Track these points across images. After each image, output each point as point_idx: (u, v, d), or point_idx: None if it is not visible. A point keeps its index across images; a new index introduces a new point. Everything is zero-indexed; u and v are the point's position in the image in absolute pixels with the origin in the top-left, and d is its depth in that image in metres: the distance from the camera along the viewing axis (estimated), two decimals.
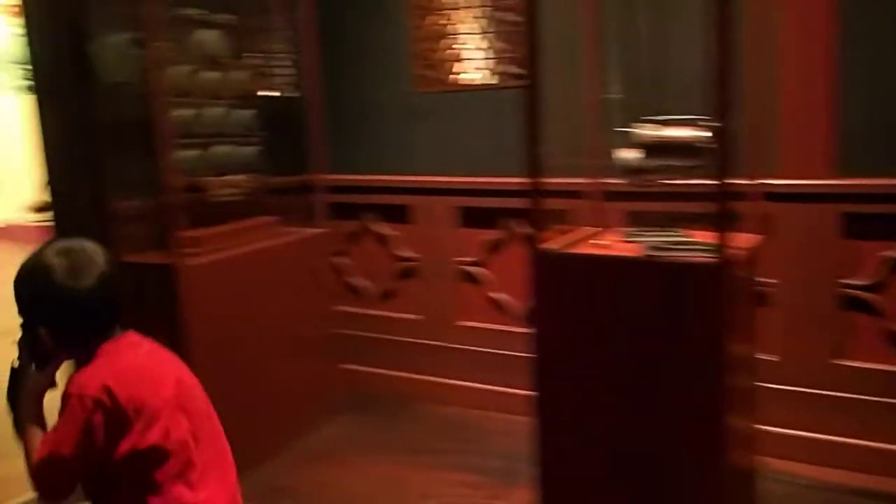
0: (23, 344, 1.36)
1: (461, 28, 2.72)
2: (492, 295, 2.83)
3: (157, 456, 1.28)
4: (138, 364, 1.35)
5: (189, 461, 1.33)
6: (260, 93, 2.66)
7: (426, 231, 2.92)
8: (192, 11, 2.36)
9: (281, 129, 2.76)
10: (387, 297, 3.07)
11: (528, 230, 1.69)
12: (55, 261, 1.30)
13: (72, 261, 1.31)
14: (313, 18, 2.67)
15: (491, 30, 2.68)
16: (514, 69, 2.63)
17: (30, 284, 1.31)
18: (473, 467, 2.46)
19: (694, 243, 1.61)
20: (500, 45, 2.67)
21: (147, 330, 2.27)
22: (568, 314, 1.64)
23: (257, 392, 2.49)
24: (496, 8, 2.64)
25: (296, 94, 2.79)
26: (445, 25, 2.75)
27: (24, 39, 2.27)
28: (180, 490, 1.31)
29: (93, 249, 1.36)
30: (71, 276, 1.29)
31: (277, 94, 2.80)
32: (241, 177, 2.52)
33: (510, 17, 2.61)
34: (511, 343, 2.70)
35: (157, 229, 2.29)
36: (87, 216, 2.30)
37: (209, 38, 2.41)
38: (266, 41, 2.74)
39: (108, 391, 1.25)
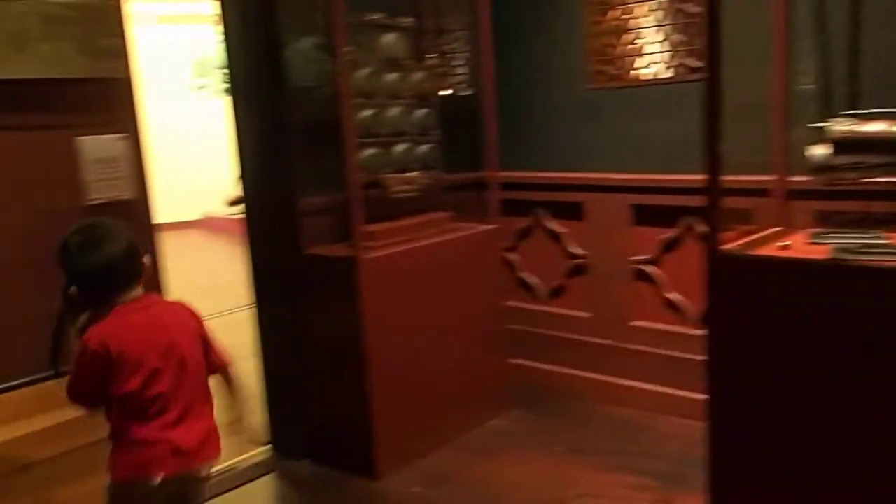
0: (64, 297, 1.67)
1: (641, 22, 2.66)
2: (666, 295, 2.74)
3: (137, 398, 1.58)
4: (136, 324, 1.62)
5: (165, 407, 1.61)
6: (437, 92, 2.74)
7: (598, 228, 2.88)
8: (375, 17, 2.48)
9: (456, 127, 2.84)
10: (556, 293, 3.07)
11: (705, 229, 1.63)
12: (72, 238, 1.64)
13: (84, 237, 1.65)
14: (489, 18, 2.72)
15: (667, 22, 2.59)
16: (693, 62, 2.53)
17: (58, 255, 1.65)
18: (640, 469, 2.41)
19: (889, 247, 1.48)
20: (677, 37, 2.58)
21: (329, 316, 2.45)
22: (745, 318, 1.56)
23: (427, 382, 2.58)
24: None
25: (470, 93, 2.85)
26: (627, 20, 2.69)
27: (224, 46, 2.49)
28: (154, 427, 1.60)
29: (107, 228, 1.72)
30: (80, 252, 1.62)
31: (453, 92, 2.88)
32: (417, 174, 2.62)
33: (690, 7, 2.52)
34: (685, 345, 2.61)
35: (340, 223, 2.44)
36: (276, 210, 2.49)
37: (391, 42, 2.53)
38: (443, 42, 2.82)
39: (104, 345, 1.57)
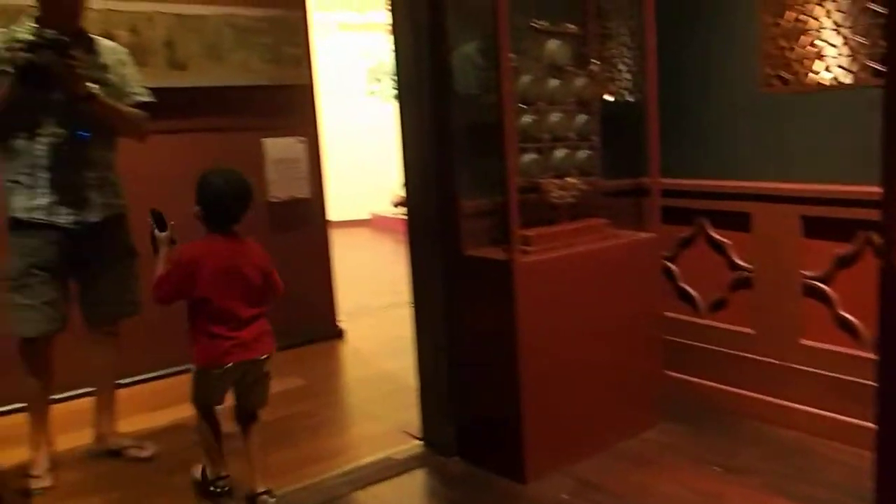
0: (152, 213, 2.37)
1: (821, 23, 2.50)
2: (840, 314, 2.57)
3: (213, 305, 2.22)
4: (220, 250, 2.25)
5: (233, 313, 2.24)
6: (598, 98, 2.73)
7: (765, 240, 2.75)
8: (539, 23, 2.51)
9: (617, 133, 2.81)
10: (718, 306, 2.96)
11: (880, 244, 1.52)
12: (219, 172, 2.30)
13: (228, 175, 2.30)
14: (653, 22, 2.67)
15: (849, 24, 2.42)
16: (875, 66, 2.35)
17: (203, 177, 2.27)
18: (799, 494, 2.28)
19: None
20: (859, 40, 2.40)
21: (485, 317, 2.51)
22: None
23: (580, 388, 2.58)
24: None
25: (633, 98, 2.81)
26: (806, 21, 2.54)
27: (393, 53, 2.62)
28: (225, 327, 2.24)
29: (244, 178, 2.35)
30: (223, 183, 2.26)
31: (615, 98, 2.85)
32: (576, 179, 2.62)
33: (874, 6, 2.34)
34: (857, 369, 2.44)
35: (498, 227, 2.50)
36: (437, 212, 2.58)
37: (554, 48, 2.55)
38: (606, 47, 2.81)
39: (193, 259, 2.21)
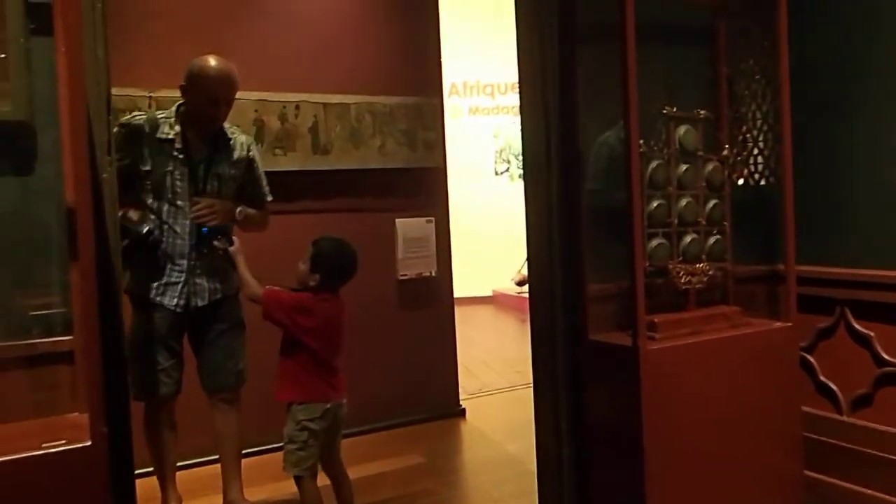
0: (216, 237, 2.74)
1: None
2: None
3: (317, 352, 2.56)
4: (327, 310, 2.59)
5: (328, 361, 2.58)
6: (730, 183, 2.68)
7: None
8: (669, 109, 2.52)
9: (750, 218, 2.73)
10: (862, 403, 2.75)
11: None
12: (340, 244, 2.63)
13: (345, 249, 2.64)
14: (788, 106, 2.61)
15: None
16: None
17: (321, 243, 2.62)
18: None
19: None
20: None
21: (608, 404, 2.46)
22: None
23: (709, 485, 2.44)
24: None
25: (766, 183, 2.74)
26: None
27: (521, 134, 2.70)
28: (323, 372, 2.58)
29: (353, 250, 2.65)
30: (338, 255, 2.61)
31: (748, 182, 2.78)
32: (704, 265, 2.56)
33: None
34: None
35: (624, 312, 2.46)
36: (561, 294, 2.58)
37: (684, 133, 2.54)
38: (740, 132, 2.76)
39: (308, 309, 2.57)
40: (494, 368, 5.36)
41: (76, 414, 1.84)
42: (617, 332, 2.50)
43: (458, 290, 7.39)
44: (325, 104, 3.96)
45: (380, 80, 4.11)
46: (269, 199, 3.01)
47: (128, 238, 2.57)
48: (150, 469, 2.86)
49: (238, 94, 3.73)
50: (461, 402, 4.37)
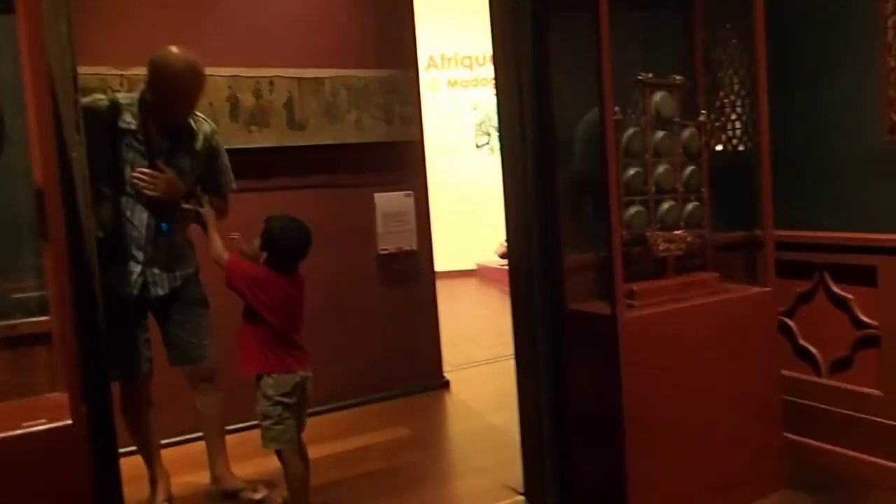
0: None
1: None
2: None
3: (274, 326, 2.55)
4: (279, 283, 2.55)
5: (277, 331, 2.54)
6: (707, 149, 2.68)
7: (893, 296, 2.58)
8: (644, 76, 2.51)
9: (727, 185, 2.74)
10: (841, 366, 2.78)
11: None
12: (287, 221, 2.58)
13: (292, 225, 2.57)
14: (764, 71, 2.61)
15: None
16: None
17: (269, 223, 2.57)
18: None
19: None
20: None
21: (588, 373, 2.48)
22: None
23: (690, 452, 2.48)
24: None
25: (744, 148, 2.75)
26: None
27: (496, 107, 2.68)
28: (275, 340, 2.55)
29: (306, 228, 2.60)
30: (285, 233, 2.55)
31: (724, 149, 2.79)
32: (682, 232, 2.57)
33: None
34: None
35: (602, 281, 2.47)
36: (539, 265, 2.58)
37: (660, 100, 2.54)
38: (716, 97, 2.77)
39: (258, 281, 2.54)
40: (478, 341, 5.38)
41: (57, 394, 1.83)
42: (596, 301, 2.51)
43: (441, 265, 7.37)
44: (299, 79, 3.90)
45: (354, 53, 4.06)
46: (234, 188, 2.96)
47: None
48: (136, 448, 2.86)
49: (211, 71, 3.66)
50: (445, 375, 4.39)
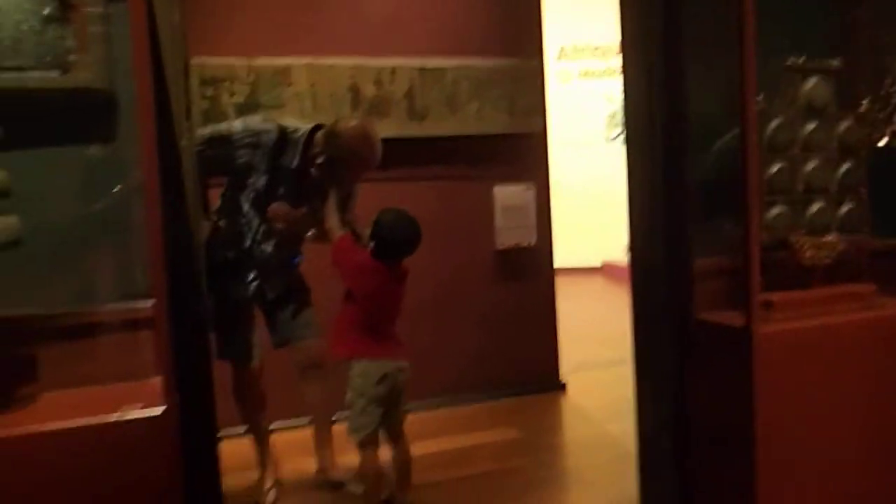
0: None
1: None
2: None
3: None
4: (378, 275, 2.54)
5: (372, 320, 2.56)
6: (869, 144, 2.36)
7: None
8: (794, 60, 2.23)
9: (889, 184, 2.40)
10: None
11: None
12: (397, 216, 2.55)
13: (403, 220, 2.54)
14: None
15: None
16: None
17: (380, 217, 2.54)
18: None
19: None
20: None
21: (716, 389, 2.24)
22: None
23: (833, 489, 2.19)
24: None
25: None
26: None
27: (624, 98, 2.47)
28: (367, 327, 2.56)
29: (416, 223, 2.56)
30: (394, 228, 2.52)
31: (887, 142, 2.45)
32: (833, 237, 2.27)
33: None
34: None
35: (737, 289, 2.22)
36: (665, 268, 2.36)
37: (812, 87, 2.25)
38: (878, 85, 2.43)
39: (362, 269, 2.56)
40: (600, 342, 5.13)
41: (158, 378, 1.83)
42: (729, 311, 2.26)
43: (565, 261, 7.16)
44: (421, 69, 3.83)
45: (477, 42, 3.94)
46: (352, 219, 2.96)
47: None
48: (244, 431, 2.90)
49: (333, 60, 3.70)
50: (561, 378, 4.20)
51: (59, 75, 1.79)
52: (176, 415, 1.62)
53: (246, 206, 2.72)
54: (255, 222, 2.73)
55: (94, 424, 1.52)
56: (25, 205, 1.66)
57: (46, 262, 1.79)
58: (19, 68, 1.74)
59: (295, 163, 2.70)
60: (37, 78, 1.77)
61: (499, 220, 4.03)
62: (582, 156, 8.56)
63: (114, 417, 1.52)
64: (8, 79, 1.74)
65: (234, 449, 3.01)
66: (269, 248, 2.77)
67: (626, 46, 2.44)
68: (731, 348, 2.14)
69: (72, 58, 1.82)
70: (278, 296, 2.85)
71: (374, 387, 2.49)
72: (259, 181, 2.69)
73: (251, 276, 2.78)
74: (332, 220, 2.61)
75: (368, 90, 3.76)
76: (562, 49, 8.56)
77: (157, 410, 1.57)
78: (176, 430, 1.62)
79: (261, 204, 2.72)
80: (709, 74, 2.28)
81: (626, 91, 2.45)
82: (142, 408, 1.58)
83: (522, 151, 4.11)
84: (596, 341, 5.19)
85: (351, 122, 2.73)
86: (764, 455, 2.09)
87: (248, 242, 2.74)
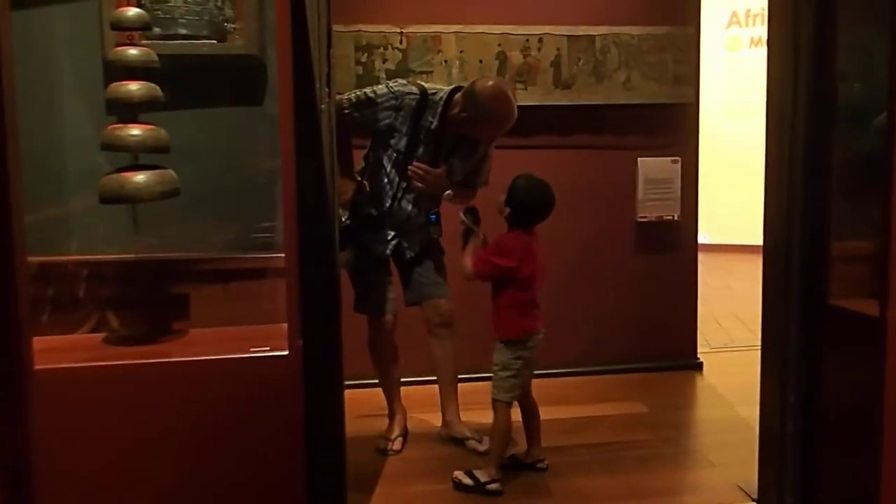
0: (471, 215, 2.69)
1: None
2: None
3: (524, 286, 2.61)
4: (525, 244, 2.61)
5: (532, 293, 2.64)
6: None
7: None
8: None
9: None
10: None
11: None
12: (533, 181, 2.61)
13: (540, 186, 2.61)
14: None
15: None
16: None
17: (515, 183, 2.60)
18: None
19: None
20: None
21: (847, 380, 2.14)
22: None
23: None
24: None
25: None
26: None
27: (767, 69, 2.36)
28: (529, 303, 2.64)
29: (550, 189, 2.62)
30: (531, 192, 2.60)
31: None
32: None
33: None
34: None
35: (874, 276, 2.10)
36: (797, 249, 2.26)
37: None
38: None
39: (521, 246, 2.61)
40: (747, 323, 4.93)
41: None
42: (866, 299, 2.14)
43: (723, 237, 6.87)
44: (568, 36, 3.81)
45: (628, 9, 3.86)
46: (486, 183, 3.05)
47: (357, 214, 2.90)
48: (378, 381, 3.11)
49: (481, 28, 3.76)
50: (699, 356, 4.10)
51: (217, 43, 2.00)
52: (299, 357, 1.80)
53: (388, 167, 2.88)
54: (396, 181, 2.89)
55: (228, 359, 1.73)
56: (184, 160, 1.89)
57: (200, 212, 2.03)
58: (184, 37, 1.96)
59: (434, 123, 2.82)
60: (198, 45, 1.99)
61: (641, 191, 3.96)
62: (749, 129, 8.09)
63: (244, 354, 1.73)
64: (172, 45, 1.96)
65: (368, 398, 3.26)
66: (408, 206, 2.93)
67: (773, 14, 2.32)
68: (864, 338, 2.04)
69: (229, 27, 2.02)
70: (415, 255, 3.00)
71: (529, 350, 2.63)
72: (400, 142, 2.84)
73: (391, 234, 2.94)
74: (466, 261, 2.67)
75: (516, 58, 3.80)
76: (733, 14, 8.08)
77: (283, 352, 1.76)
78: (299, 371, 1.80)
79: (401, 164, 2.86)
80: (861, 47, 2.14)
81: (770, 62, 2.35)
82: (269, 349, 1.77)
83: (672, 123, 4.00)
84: (743, 321, 4.99)
85: (488, 81, 2.81)
86: (892, 449, 1.98)
87: (388, 201, 2.91)
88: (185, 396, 1.74)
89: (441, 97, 2.83)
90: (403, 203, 2.92)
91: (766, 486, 2.47)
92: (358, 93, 2.89)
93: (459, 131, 2.84)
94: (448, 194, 2.89)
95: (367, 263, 2.93)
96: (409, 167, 2.85)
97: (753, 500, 2.51)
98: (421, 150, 2.86)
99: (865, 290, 2.17)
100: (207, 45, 1.98)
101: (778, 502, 2.40)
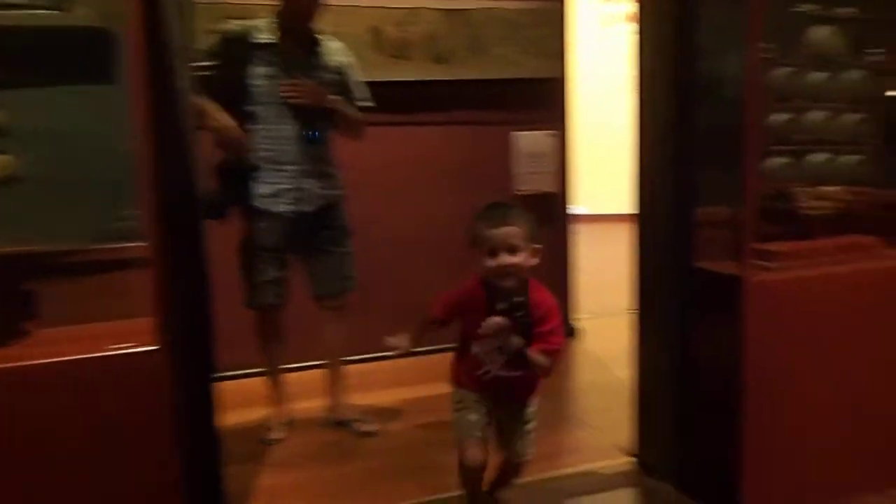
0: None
1: None
2: None
3: None
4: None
5: None
6: (878, 94, 2.29)
7: None
8: (806, 7, 2.16)
9: None
10: None
11: None
12: (483, 212, 2.00)
13: (490, 213, 1.98)
14: None
15: None
16: None
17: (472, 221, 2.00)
18: None
19: None
20: None
21: (710, 338, 2.25)
22: None
23: (818, 434, 2.21)
24: None
25: None
26: None
27: (636, 43, 2.43)
28: None
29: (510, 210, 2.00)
30: (483, 223, 1.96)
31: None
32: (838, 188, 2.23)
33: None
34: None
35: (738, 238, 2.21)
36: (668, 216, 2.35)
37: (822, 36, 2.18)
38: (892, 35, 2.34)
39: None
40: (622, 289, 5.11)
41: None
42: (730, 261, 2.25)
43: (602, 208, 7.07)
44: (445, 10, 3.79)
45: None
46: (369, 104, 2.93)
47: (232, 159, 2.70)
48: (248, 371, 3.02)
49: (354, 1, 3.66)
50: (576, 323, 4.23)
51: (57, 14, 1.84)
52: (167, 353, 1.70)
53: (246, 109, 2.73)
54: (268, 117, 2.74)
55: (84, 359, 1.61)
56: (24, 144, 1.74)
57: (44, 200, 1.87)
58: (16, 6, 1.79)
59: (270, 38, 2.72)
60: (34, 16, 1.82)
61: (518, 165, 4.02)
62: (625, 101, 8.38)
63: (102, 353, 1.62)
64: (5, 16, 1.79)
65: (246, 388, 3.17)
66: (290, 130, 2.74)
67: None
68: (725, 297, 2.15)
69: None
70: (318, 232, 2.85)
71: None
72: (242, 76, 2.71)
73: (284, 182, 2.75)
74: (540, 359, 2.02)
75: (390, 32, 3.74)
76: None
77: (147, 348, 1.65)
78: (167, 368, 1.70)
79: (257, 98, 2.72)
80: (722, 25, 2.22)
81: (641, 35, 2.41)
82: (133, 345, 1.67)
83: (548, 97, 4.07)
84: (618, 288, 5.17)
85: None
86: (753, 401, 2.11)
87: (270, 142, 2.75)
88: (34, 404, 1.60)
89: (270, 19, 2.77)
90: (284, 131, 2.76)
91: (643, 441, 2.59)
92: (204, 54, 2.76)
93: (291, 21, 2.74)
94: (331, 98, 2.78)
95: (261, 240, 2.79)
96: (282, 87, 2.70)
97: (633, 455, 2.61)
98: (271, 70, 2.72)
99: (729, 253, 2.28)
100: (44, 16, 1.82)
101: (652, 456, 2.52)
